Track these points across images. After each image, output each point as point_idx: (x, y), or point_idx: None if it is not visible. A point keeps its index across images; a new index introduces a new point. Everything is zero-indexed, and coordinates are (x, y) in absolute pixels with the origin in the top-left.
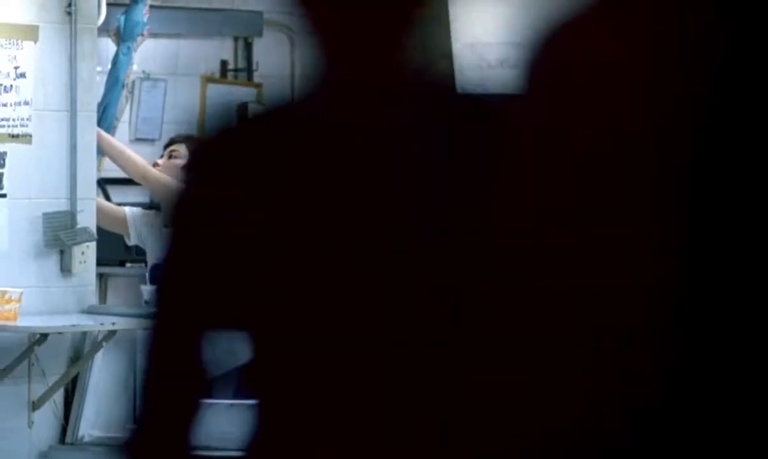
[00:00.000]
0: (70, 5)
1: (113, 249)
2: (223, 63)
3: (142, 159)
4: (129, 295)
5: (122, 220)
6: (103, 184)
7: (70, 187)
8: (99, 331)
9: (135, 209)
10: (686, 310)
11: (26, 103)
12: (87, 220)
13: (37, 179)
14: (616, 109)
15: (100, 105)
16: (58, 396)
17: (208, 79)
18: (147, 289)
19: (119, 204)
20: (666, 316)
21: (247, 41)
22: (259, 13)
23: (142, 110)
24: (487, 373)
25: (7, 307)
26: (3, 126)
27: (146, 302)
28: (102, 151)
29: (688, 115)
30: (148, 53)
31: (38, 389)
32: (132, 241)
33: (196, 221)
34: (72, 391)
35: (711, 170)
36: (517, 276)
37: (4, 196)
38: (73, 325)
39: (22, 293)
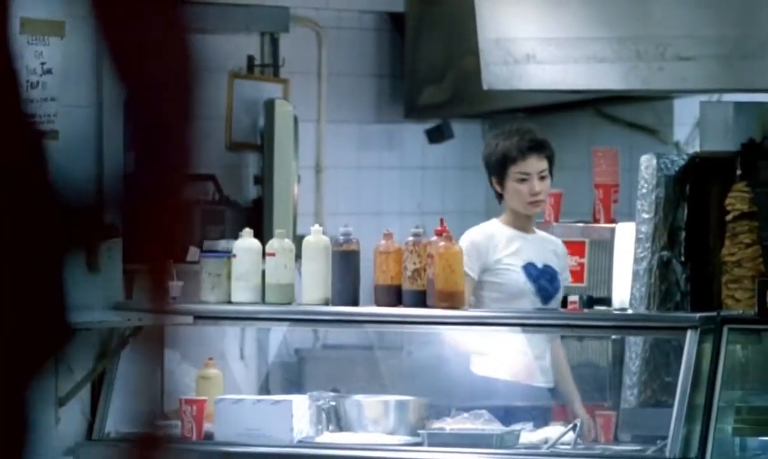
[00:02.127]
0: None
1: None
2: (250, 59)
3: None
4: None
5: None
6: None
7: (97, 183)
8: (126, 327)
9: None
10: None
11: (52, 99)
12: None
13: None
14: None
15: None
16: (85, 392)
17: (235, 75)
18: (174, 285)
19: None
20: None
21: (274, 37)
22: (286, 9)
23: None
24: None
25: None
26: None
27: (173, 298)
28: None
29: None
30: None
31: (65, 385)
32: None
33: None
34: (99, 387)
35: None
36: None
37: None
38: (100, 321)
39: None
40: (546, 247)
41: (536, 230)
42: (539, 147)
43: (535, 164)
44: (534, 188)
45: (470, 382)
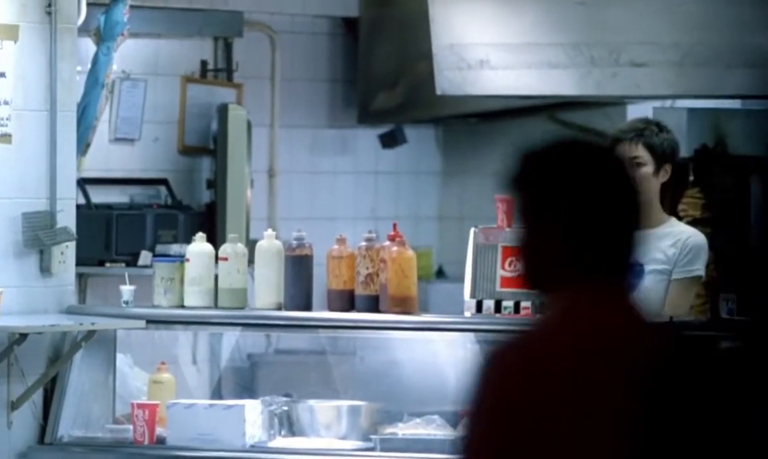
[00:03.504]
0: (50, 5)
1: (93, 249)
2: (203, 63)
3: None
4: (108, 294)
5: None
6: (83, 184)
7: (50, 187)
8: (78, 331)
9: None
10: None
11: (6, 102)
12: (66, 219)
13: (17, 179)
14: None
15: (79, 105)
16: (37, 396)
17: (188, 80)
18: (126, 289)
19: (96, 205)
20: None
21: (227, 41)
22: (239, 13)
23: (122, 110)
24: None
25: None
26: None
27: (125, 302)
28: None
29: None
30: (128, 53)
31: (17, 389)
32: None
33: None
34: (51, 391)
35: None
36: None
37: None
38: (53, 325)
39: (1, 293)
40: (655, 243)
41: (661, 225)
42: (627, 133)
43: (626, 149)
44: None
45: (423, 387)
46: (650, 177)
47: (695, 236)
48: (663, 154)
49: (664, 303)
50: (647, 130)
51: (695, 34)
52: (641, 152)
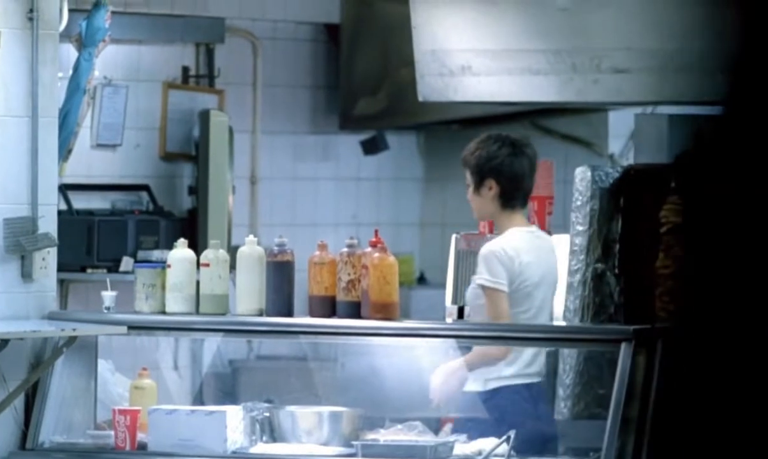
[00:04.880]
0: (31, 11)
1: (74, 255)
2: (185, 69)
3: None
4: (90, 300)
5: None
6: (65, 189)
7: (32, 192)
8: (60, 337)
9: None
10: None
11: None
12: (48, 225)
13: None
14: None
15: (61, 111)
16: (19, 401)
17: (170, 85)
18: (108, 295)
19: (78, 211)
20: None
21: (209, 47)
22: (221, 20)
23: (104, 116)
24: None
25: None
26: None
27: (107, 308)
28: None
29: None
30: (110, 59)
31: None
32: None
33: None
34: (32, 396)
35: None
36: None
37: None
38: (34, 331)
39: None
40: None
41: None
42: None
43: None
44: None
45: (405, 393)
46: (474, 197)
47: (485, 246)
48: (480, 171)
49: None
50: (466, 151)
51: (677, 41)
52: (467, 175)
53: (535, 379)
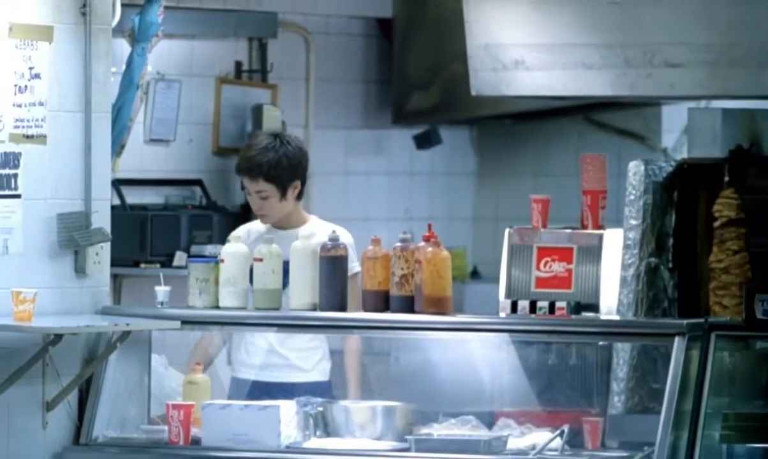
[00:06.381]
0: (84, 6)
1: (127, 249)
2: (238, 64)
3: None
4: (143, 295)
5: None
6: (118, 184)
7: (85, 187)
8: (113, 332)
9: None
10: None
11: (41, 103)
12: (101, 220)
13: (52, 180)
14: None
15: (114, 106)
16: (73, 397)
17: (223, 81)
18: (161, 290)
19: (131, 206)
20: None
21: (262, 42)
22: (274, 14)
23: (157, 111)
24: None
25: (21, 307)
26: (18, 127)
27: (160, 303)
28: None
29: None
30: (163, 54)
31: (52, 390)
32: None
33: None
34: (86, 391)
35: None
36: None
37: (18, 196)
38: (87, 326)
39: (36, 294)
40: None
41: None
42: (247, 170)
43: (249, 184)
44: (253, 206)
45: (458, 387)
46: (278, 204)
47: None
48: (282, 178)
49: None
50: (264, 164)
51: (730, 35)
52: (263, 186)
53: None
